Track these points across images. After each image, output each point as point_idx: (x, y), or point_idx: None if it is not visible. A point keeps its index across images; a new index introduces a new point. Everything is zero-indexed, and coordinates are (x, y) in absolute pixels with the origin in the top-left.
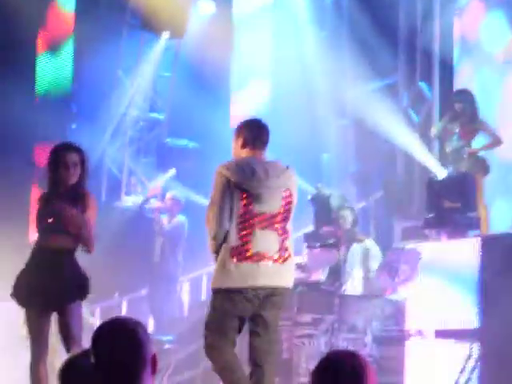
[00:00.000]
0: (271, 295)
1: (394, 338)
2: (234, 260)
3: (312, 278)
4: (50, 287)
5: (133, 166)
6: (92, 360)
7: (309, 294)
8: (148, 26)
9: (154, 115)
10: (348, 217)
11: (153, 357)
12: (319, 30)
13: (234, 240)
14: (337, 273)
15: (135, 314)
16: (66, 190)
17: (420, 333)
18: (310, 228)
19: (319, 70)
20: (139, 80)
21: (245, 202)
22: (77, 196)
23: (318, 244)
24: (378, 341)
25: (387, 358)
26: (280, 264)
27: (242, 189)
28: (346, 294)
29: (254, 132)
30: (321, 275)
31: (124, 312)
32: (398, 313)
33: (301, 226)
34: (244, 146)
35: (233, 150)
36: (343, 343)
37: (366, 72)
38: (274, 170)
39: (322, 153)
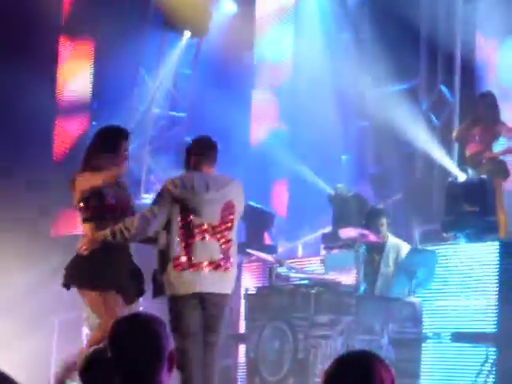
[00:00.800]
0: (212, 303)
1: (410, 341)
2: (176, 270)
3: (329, 279)
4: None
5: (152, 163)
6: (109, 355)
7: (326, 294)
8: (170, 24)
9: (175, 113)
10: (385, 224)
11: (170, 353)
12: (340, 31)
13: (175, 251)
14: (356, 274)
15: (152, 311)
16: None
17: (437, 335)
18: (329, 229)
19: (340, 71)
20: (160, 78)
21: (184, 215)
22: (123, 185)
23: (337, 245)
24: (394, 343)
25: (403, 360)
26: (222, 272)
27: (182, 203)
28: (363, 295)
29: (204, 150)
30: (338, 276)
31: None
32: (415, 315)
33: (319, 227)
34: (194, 162)
35: (185, 164)
36: (359, 344)
37: (387, 74)
38: (214, 184)
39: (342, 154)
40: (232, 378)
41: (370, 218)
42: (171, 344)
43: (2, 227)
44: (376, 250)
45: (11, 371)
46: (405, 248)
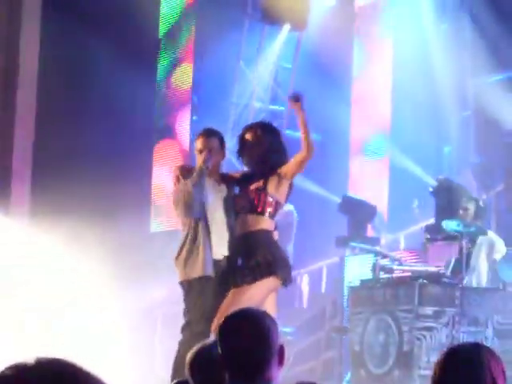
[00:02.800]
0: None
1: None
2: None
3: (433, 271)
4: None
5: None
6: (219, 350)
7: (430, 286)
8: (269, 18)
9: (275, 107)
10: (470, 209)
11: (280, 348)
12: (441, 22)
13: None
14: (459, 265)
15: None
16: None
17: None
18: (432, 221)
19: (441, 61)
20: (260, 72)
21: None
22: None
23: (440, 236)
24: (499, 334)
25: (509, 351)
26: None
27: None
28: (467, 286)
29: None
30: (442, 268)
31: None
32: None
33: (422, 219)
34: None
35: None
36: (464, 336)
37: (488, 63)
38: None
39: (444, 145)
40: (335, 370)
41: (460, 204)
42: (281, 338)
43: (103, 221)
44: (471, 242)
45: (117, 363)
46: (499, 245)
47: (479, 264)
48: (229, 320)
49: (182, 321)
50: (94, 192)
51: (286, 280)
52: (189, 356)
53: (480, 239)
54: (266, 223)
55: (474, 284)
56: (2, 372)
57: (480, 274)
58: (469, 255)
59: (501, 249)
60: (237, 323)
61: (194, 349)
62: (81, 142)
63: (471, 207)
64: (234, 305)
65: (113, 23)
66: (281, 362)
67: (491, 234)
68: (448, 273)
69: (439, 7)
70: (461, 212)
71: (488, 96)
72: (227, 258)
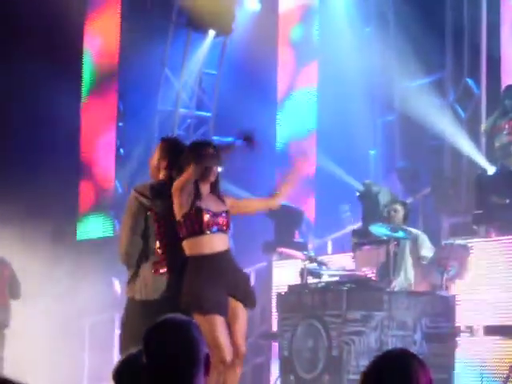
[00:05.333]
0: None
1: (443, 335)
2: None
3: (361, 275)
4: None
5: None
6: (144, 359)
7: (358, 290)
8: (194, 24)
9: (201, 113)
10: (400, 211)
11: (206, 356)
12: (364, 26)
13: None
14: (386, 269)
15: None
16: None
17: (470, 329)
18: (359, 225)
19: (365, 66)
20: (185, 78)
21: None
22: None
23: (367, 241)
24: (427, 338)
25: (437, 354)
26: None
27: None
28: (395, 290)
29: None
30: (370, 272)
31: None
32: (447, 309)
33: (350, 223)
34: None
35: None
36: (393, 340)
37: (412, 68)
38: None
39: (369, 149)
40: (265, 376)
41: (386, 207)
42: (206, 347)
43: (28, 227)
44: (397, 245)
45: (47, 374)
46: (422, 237)
47: (406, 262)
48: (154, 329)
49: (110, 331)
50: (18, 200)
51: None
52: (115, 365)
53: (402, 240)
54: None
55: (403, 284)
56: None
57: (407, 273)
58: (396, 257)
59: (424, 241)
60: (162, 332)
61: (121, 357)
62: (6, 152)
63: (400, 210)
64: None
65: (38, 34)
66: (207, 371)
67: (412, 230)
68: (376, 277)
69: (364, 11)
70: (391, 213)
71: (413, 100)
72: None
